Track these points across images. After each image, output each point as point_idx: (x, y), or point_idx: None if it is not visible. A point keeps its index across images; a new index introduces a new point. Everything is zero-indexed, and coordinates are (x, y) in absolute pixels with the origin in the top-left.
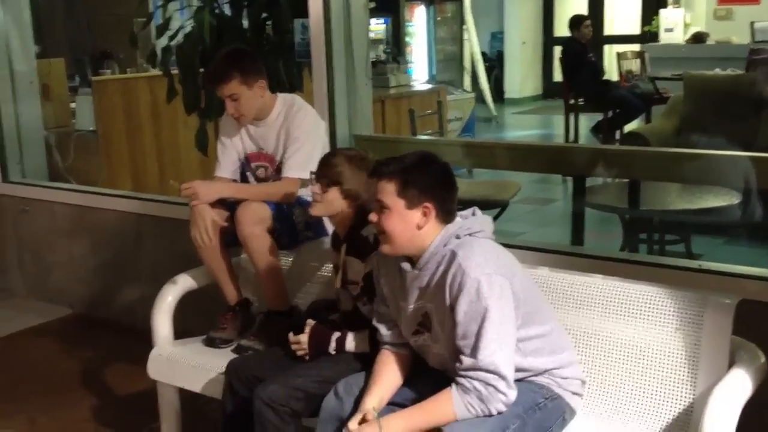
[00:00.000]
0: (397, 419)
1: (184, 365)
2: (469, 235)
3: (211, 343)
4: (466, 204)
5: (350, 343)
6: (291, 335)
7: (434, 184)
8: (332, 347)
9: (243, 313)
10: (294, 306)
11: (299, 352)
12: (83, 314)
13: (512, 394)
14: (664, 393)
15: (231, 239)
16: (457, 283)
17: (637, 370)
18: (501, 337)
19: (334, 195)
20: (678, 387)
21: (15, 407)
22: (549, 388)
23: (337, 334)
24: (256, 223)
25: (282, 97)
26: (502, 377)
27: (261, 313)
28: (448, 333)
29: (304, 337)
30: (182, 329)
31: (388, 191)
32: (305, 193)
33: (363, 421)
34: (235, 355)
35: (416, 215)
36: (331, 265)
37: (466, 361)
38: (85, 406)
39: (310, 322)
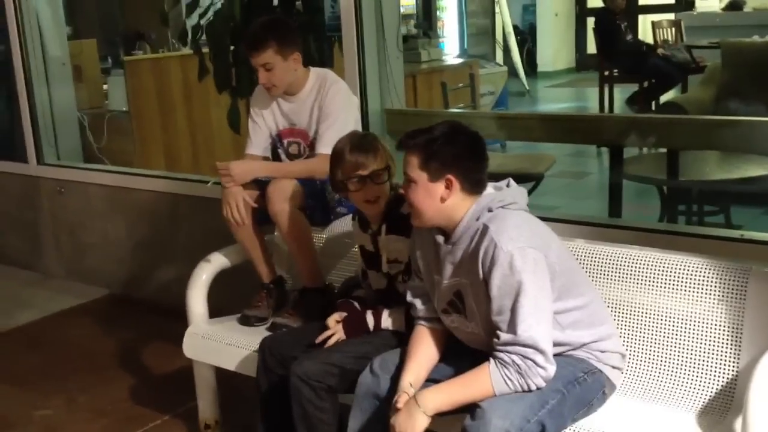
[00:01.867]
0: (434, 393)
1: (219, 343)
2: (502, 207)
3: (245, 321)
4: (499, 178)
5: (386, 320)
6: (328, 322)
7: (458, 155)
8: (371, 324)
9: (277, 290)
10: (328, 284)
11: (332, 339)
12: (120, 294)
13: (551, 369)
14: (707, 366)
15: (263, 217)
16: (489, 257)
17: (678, 343)
18: (537, 311)
19: (387, 185)
20: (721, 359)
21: (54, 387)
22: (588, 362)
23: (371, 311)
24: (286, 200)
25: (315, 72)
26: (541, 351)
27: (295, 291)
28: (484, 310)
29: (339, 326)
30: (218, 308)
31: (413, 164)
32: None
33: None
34: (269, 333)
35: (440, 188)
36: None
37: (504, 336)
38: (122, 385)
39: (341, 313)
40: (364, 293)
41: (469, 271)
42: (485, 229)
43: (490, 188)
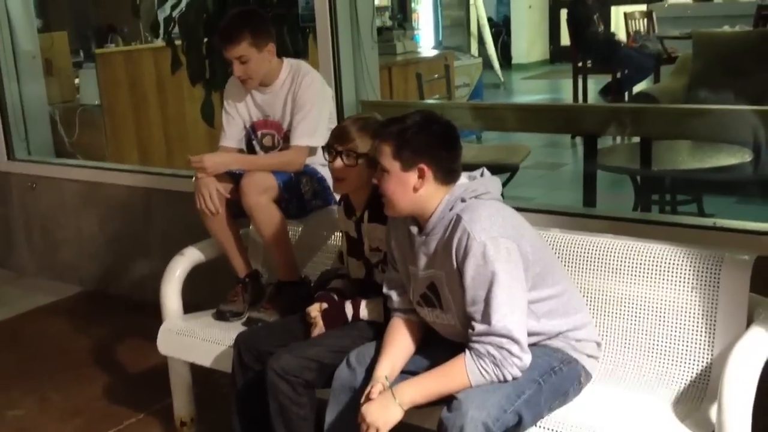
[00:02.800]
0: (410, 387)
1: (193, 339)
2: (475, 197)
3: (221, 316)
4: (474, 169)
5: (363, 310)
6: (310, 311)
7: (431, 144)
8: (349, 314)
9: (252, 285)
10: (304, 277)
11: (315, 331)
12: (94, 291)
13: (527, 358)
14: (681, 353)
15: (238, 210)
16: (462, 247)
17: (652, 330)
18: (511, 301)
19: (360, 169)
20: (695, 347)
21: (27, 386)
22: (564, 352)
23: (349, 301)
24: (260, 193)
25: (288, 63)
26: (516, 341)
27: (271, 285)
28: (459, 301)
29: (318, 318)
30: (194, 303)
31: (385, 153)
32: (312, 162)
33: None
34: (245, 328)
35: (412, 177)
36: (340, 233)
37: (478, 326)
38: (97, 383)
39: (322, 304)
40: (342, 284)
41: (443, 262)
42: (458, 219)
43: (463, 178)
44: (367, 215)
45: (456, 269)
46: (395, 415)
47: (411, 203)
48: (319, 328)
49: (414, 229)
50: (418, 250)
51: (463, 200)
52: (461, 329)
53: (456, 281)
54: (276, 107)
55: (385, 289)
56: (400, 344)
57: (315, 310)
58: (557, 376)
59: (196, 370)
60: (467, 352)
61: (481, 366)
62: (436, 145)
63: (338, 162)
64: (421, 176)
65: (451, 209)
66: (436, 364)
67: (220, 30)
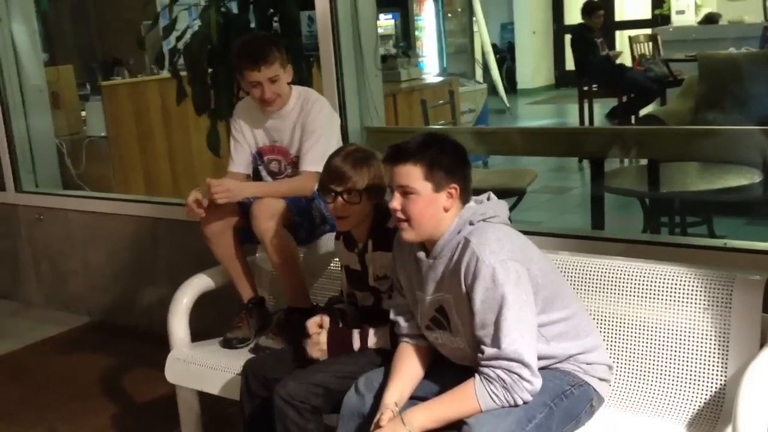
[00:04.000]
0: (420, 412)
1: (201, 367)
2: (483, 221)
3: (227, 344)
4: (481, 194)
5: (372, 338)
6: (309, 331)
7: (458, 164)
8: (356, 345)
9: (258, 310)
10: (315, 304)
11: (315, 354)
12: (101, 321)
13: (537, 382)
14: (694, 376)
15: (245, 236)
16: (471, 271)
17: (664, 353)
18: (521, 325)
19: (363, 203)
20: (708, 369)
21: (36, 417)
22: (575, 375)
23: (357, 331)
24: (271, 218)
25: (297, 90)
26: (526, 365)
27: (279, 311)
28: (468, 324)
29: (323, 337)
30: (203, 332)
31: (414, 175)
32: None
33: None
34: (252, 356)
35: (443, 198)
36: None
37: (488, 350)
38: (105, 414)
39: (325, 321)
40: (348, 308)
41: (451, 286)
42: (467, 242)
43: (470, 202)
44: (371, 244)
45: (465, 293)
46: None
47: (436, 225)
48: (319, 348)
49: (421, 254)
50: (426, 275)
51: (471, 223)
52: (470, 353)
53: (464, 305)
54: (284, 133)
55: (392, 315)
56: (408, 370)
57: (315, 325)
58: (568, 399)
59: (204, 398)
60: (477, 376)
61: (492, 390)
62: (462, 164)
63: (339, 202)
64: (452, 195)
65: (459, 232)
66: (445, 390)
67: (249, 54)
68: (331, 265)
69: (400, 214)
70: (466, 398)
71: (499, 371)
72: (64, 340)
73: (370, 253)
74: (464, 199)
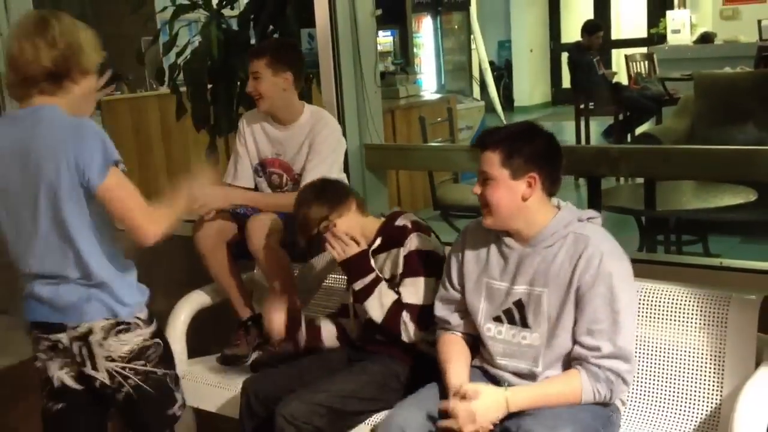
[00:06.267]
0: (523, 392)
1: (198, 384)
2: (590, 220)
3: (225, 360)
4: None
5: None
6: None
7: (540, 153)
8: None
9: (255, 328)
10: (311, 319)
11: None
12: None
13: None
14: (690, 394)
15: (240, 252)
16: (594, 268)
17: (660, 371)
18: (632, 326)
19: (349, 224)
20: (704, 388)
21: None
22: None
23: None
24: (267, 236)
25: (309, 108)
26: (631, 367)
27: None
28: (555, 319)
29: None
30: (200, 349)
31: (493, 161)
32: None
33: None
34: (251, 372)
35: (521, 186)
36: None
37: (604, 346)
38: None
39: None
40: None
41: (550, 279)
42: (582, 239)
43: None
44: (380, 246)
45: (568, 287)
46: (499, 416)
47: (516, 212)
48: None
49: (510, 241)
50: (516, 264)
51: (580, 220)
52: (541, 350)
53: (560, 299)
54: (290, 148)
55: (440, 311)
56: (460, 356)
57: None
58: (612, 425)
59: (200, 415)
60: (583, 371)
61: (597, 389)
62: (545, 155)
63: (336, 232)
64: (531, 185)
65: (565, 226)
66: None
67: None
68: (327, 281)
69: (481, 200)
70: (571, 390)
71: (608, 372)
72: None
73: (383, 255)
74: (549, 191)
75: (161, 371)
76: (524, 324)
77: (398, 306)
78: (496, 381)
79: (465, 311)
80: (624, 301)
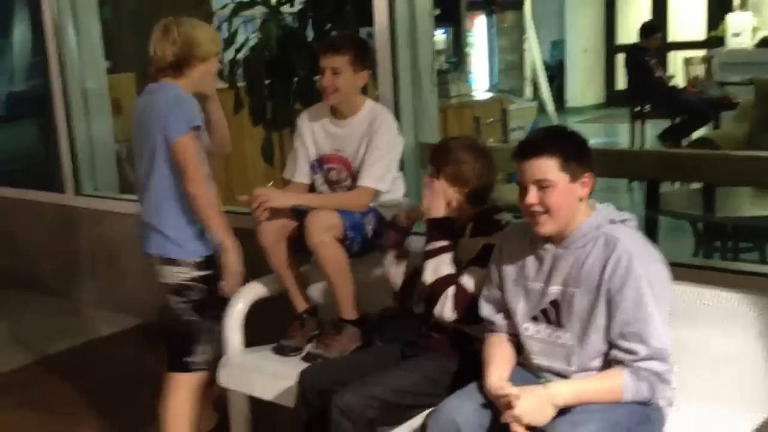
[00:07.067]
0: (566, 386)
1: (255, 373)
2: (622, 222)
3: (281, 351)
4: None
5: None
6: None
7: (587, 153)
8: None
9: (311, 320)
10: (366, 314)
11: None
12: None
13: (673, 384)
14: (745, 403)
15: (299, 246)
16: (622, 270)
17: (716, 378)
18: (665, 327)
19: (451, 194)
20: (760, 396)
21: (88, 415)
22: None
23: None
24: (325, 231)
25: (370, 103)
26: (669, 367)
27: (331, 321)
28: (586, 319)
29: None
30: (255, 338)
31: (550, 167)
32: (375, 202)
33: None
34: (306, 363)
35: (578, 188)
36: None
37: (640, 350)
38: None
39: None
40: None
41: (581, 279)
42: (613, 240)
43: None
44: (470, 229)
45: (602, 289)
46: (550, 415)
47: (572, 215)
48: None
49: (547, 244)
50: (550, 265)
51: (612, 221)
52: (575, 349)
53: (590, 300)
54: (350, 143)
55: (486, 312)
56: (504, 356)
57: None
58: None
59: (254, 403)
60: (626, 370)
61: (639, 387)
62: (589, 155)
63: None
64: (585, 185)
65: (597, 227)
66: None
67: (326, 41)
68: (382, 278)
69: (537, 208)
70: (614, 388)
71: (649, 373)
72: (118, 340)
73: (466, 239)
74: (593, 189)
75: (194, 317)
76: (559, 323)
77: (449, 279)
78: (533, 377)
79: (508, 312)
80: (654, 303)
